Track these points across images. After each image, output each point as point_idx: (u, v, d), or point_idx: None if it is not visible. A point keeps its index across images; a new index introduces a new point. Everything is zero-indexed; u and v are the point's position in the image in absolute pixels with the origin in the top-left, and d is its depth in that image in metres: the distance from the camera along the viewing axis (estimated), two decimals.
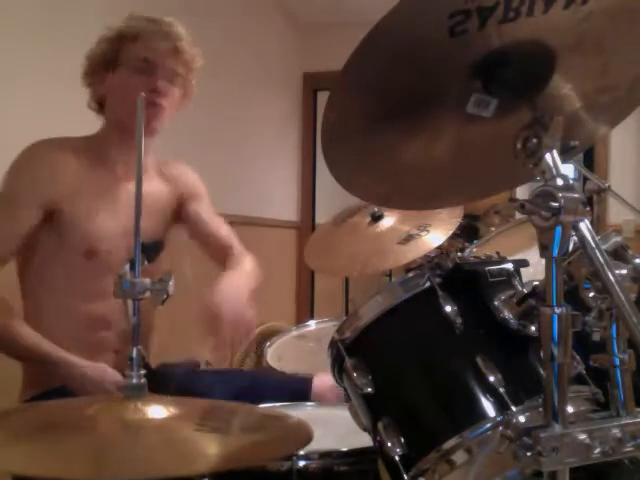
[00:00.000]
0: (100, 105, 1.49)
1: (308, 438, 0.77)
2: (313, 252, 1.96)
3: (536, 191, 0.71)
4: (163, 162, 1.60)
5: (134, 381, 0.78)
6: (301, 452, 0.99)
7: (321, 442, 0.89)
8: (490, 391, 0.81)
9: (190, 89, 1.50)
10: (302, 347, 1.92)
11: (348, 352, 0.93)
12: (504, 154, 0.78)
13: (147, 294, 0.79)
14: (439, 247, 1.66)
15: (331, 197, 2.82)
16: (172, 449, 0.72)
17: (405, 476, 0.83)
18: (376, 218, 1.81)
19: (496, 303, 0.86)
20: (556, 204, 0.68)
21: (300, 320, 3.39)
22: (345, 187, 0.87)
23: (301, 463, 1.00)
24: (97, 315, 1.40)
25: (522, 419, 0.78)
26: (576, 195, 0.70)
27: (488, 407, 0.80)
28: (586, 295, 0.76)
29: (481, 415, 0.80)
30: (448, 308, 0.86)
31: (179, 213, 1.62)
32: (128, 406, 0.76)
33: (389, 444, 0.84)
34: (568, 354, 0.69)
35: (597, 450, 0.68)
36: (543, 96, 0.80)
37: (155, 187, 1.55)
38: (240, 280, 1.46)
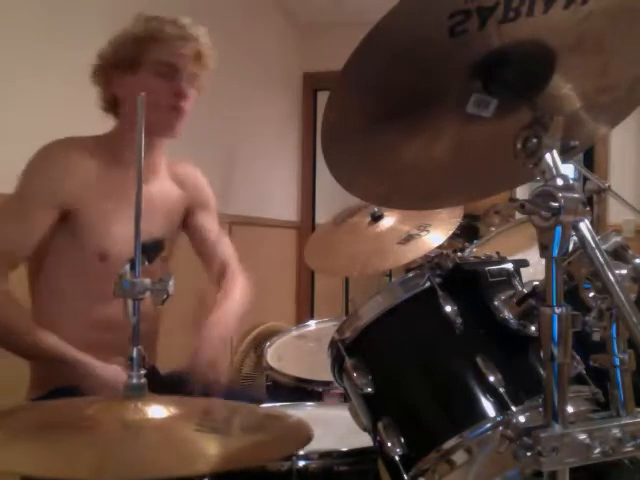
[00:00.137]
0: (111, 104, 1.49)
1: (308, 438, 0.77)
2: (313, 252, 1.96)
3: (536, 191, 0.71)
4: (173, 162, 1.60)
5: (134, 381, 0.78)
6: (301, 452, 0.99)
7: (321, 442, 0.89)
8: (490, 391, 0.81)
9: (201, 87, 1.50)
10: (302, 347, 1.92)
11: (348, 352, 0.93)
12: (504, 154, 0.78)
13: (147, 294, 0.79)
14: (439, 247, 1.66)
15: (331, 197, 2.83)
16: (172, 449, 0.72)
17: (405, 476, 0.83)
18: (376, 218, 1.81)
19: (496, 303, 0.86)
20: (556, 204, 0.69)
21: (300, 320, 3.40)
22: (345, 187, 0.87)
23: (301, 463, 1.00)
24: (108, 317, 1.40)
25: (522, 419, 0.78)
26: (576, 195, 0.70)
27: (488, 407, 0.80)
28: (586, 295, 0.76)
29: (481, 415, 0.80)
30: (448, 308, 0.86)
31: (186, 219, 1.63)
32: (128, 406, 0.76)
33: (389, 444, 0.84)
34: (568, 354, 0.69)
35: (597, 450, 0.68)
36: (543, 96, 0.80)
37: (167, 188, 1.56)
38: (223, 324, 1.47)
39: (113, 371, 1.30)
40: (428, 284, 0.89)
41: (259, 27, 3.49)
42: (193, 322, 1.40)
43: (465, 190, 1.00)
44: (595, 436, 0.69)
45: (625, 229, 3.28)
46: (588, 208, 0.71)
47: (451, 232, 1.72)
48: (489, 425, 0.79)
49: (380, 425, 0.86)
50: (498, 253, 0.99)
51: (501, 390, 0.80)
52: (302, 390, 1.58)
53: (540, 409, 0.73)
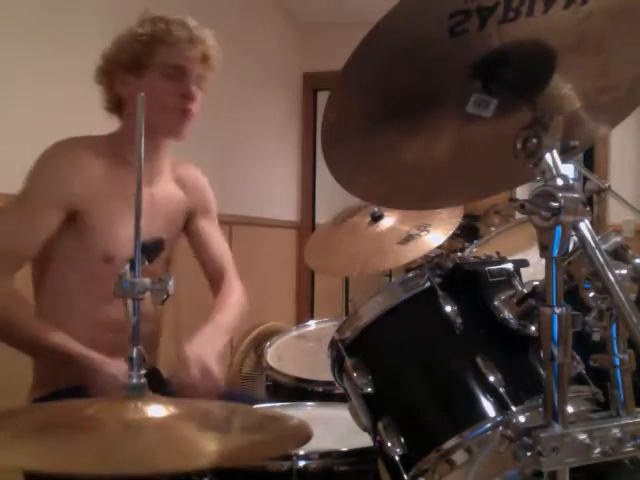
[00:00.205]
0: (115, 104, 1.49)
1: (308, 437, 0.77)
2: (313, 252, 1.96)
3: (536, 191, 0.71)
4: (176, 163, 1.60)
5: (134, 381, 0.78)
6: (301, 452, 0.99)
7: (321, 442, 0.90)
8: (490, 391, 0.81)
9: (207, 88, 1.50)
10: (302, 347, 1.92)
11: (348, 352, 0.93)
12: (504, 154, 0.78)
13: (147, 294, 0.79)
14: (439, 247, 1.66)
15: (331, 197, 2.83)
16: (172, 449, 0.72)
17: (405, 476, 0.83)
18: (376, 218, 1.81)
19: (496, 303, 0.86)
20: (556, 204, 0.69)
21: (300, 320, 3.40)
22: (345, 187, 0.87)
23: (301, 463, 1.00)
24: (112, 318, 1.40)
25: (522, 419, 0.78)
26: (576, 195, 0.70)
27: (488, 407, 0.80)
28: (586, 295, 0.76)
29: (481, 415, 0.80)
30: (448, 308, 0.86)
31: (186, 223, 1.63)
32: (128, 406, 0.76)
33: (389, 444, 0.84)
34: (568, 354, 0.69)
35: (597, 450, 0.68)
36: (543, 96, 0.80)
37: (170, 190, 1.57)
38: (220, 330, 1.47)
39: (119, 367, 1.29)
40: (428, 284, 0.89)
41: (259, 27, 3.49)
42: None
43: (465, 190, 1.00)
44: (595, 436, 0.69)
45: (625, 229, 3.28)
46: (588, 208, 0.71)
47: (451, 232, 1.72)
48: (489, 425, 0.79)
49: (380, 425, 0.86)
50: (498, 253, 0.99)
51: (501, 390, 0.80)
52: (302, 390, 1.57)
53: (540, 409, 0.73)
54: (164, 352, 1.61)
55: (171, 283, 0.80)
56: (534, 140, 0.75)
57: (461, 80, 0.78)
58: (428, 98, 0.80)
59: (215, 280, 1.63)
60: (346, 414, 0.96)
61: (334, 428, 1.17)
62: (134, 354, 0.78)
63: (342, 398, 1.06)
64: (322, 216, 3.98)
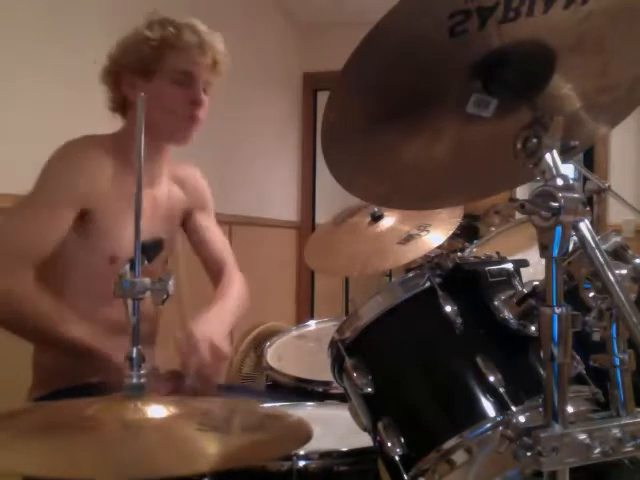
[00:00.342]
0: (120, 105, 1.48)
1: (308, 437, 0.77)
2: (313, 252, 1.96)
3: (536, 191, 0.71)
4: (173, 164, 1.60)
5: (134, 381, 0.78)
6: (301, 452, 0.99)
7: (321, 442, 0.90)
8: (490, 391, 0.81)
9: (213, 93, 1.50)
10: (302, 347, 1.92)
11: (348, 352, 0.93)
12: (504, 154, 0.78)
13: (147, 294, 0.79)
14: (439, 247, 1.66)
15: (331, 197, 2.83)
16: (172, 449, 0.72)
17: (405, 476, 0.83)
18: (376, 218, 1.81)
19: (496, 303, 0.86)
20: (556, 204, 0.69)
21: (300, 320, 3.40)
22: (345, 187, 0.87)
23: (301, 463, 1.00)
24: (114, 318, 1.40)
25: (522, 419, 0.78)
26: (576, 195, 0.70)
27: (488, 407, 0.80)
28: (586, 295, 0.76)
29: (481, 415, 0.80)
30: (448, 308, 0.86)
31: (184, 220, 1.64)
32: (128, 406, 0.76)
33: (389, 444, 0.84)
34: (568, 354, 0.69)
35: (597, 450, 0.68)
36: (543, 96, 0.80)
37: (170, 190, 1.57)
38: (223, 314, 1.47)
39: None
40: (428, 284, 0.89)
41: (259, 27, 3.49)
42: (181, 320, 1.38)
43: (465, 190, 1.00)
44: (595, 436, 0.69)
45: (625, 229, 3.29)
46: (588, 208, 0.71)
47: (451, 232, 1.72)
48: (489, 425, 0.79)
49: (380, 425, 0.86)
50: (498, 253, 0.99)
51: (501, 390, 0.80)
52: (302, 390, 1.58)
53: (540, 409, 0.72)
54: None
55: (171, 283, 0.81)
56: (534, 140, 0.75)
57: (461, 80, 0.78)
58: (428, 98, 0.80)
59: (216, 275, 1.63)
60: (346, 414, 0.96)
61: (334, 428, 1.17)
62: (134, 354, 0.79)
63: (342, 398, 1.06)
64: (322, 216, 3.98)
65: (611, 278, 0.71)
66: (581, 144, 0.84)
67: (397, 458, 0.84)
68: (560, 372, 0.69)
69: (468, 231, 2.59)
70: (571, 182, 0.71)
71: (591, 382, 0.84)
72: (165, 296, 0.81)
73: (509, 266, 0.92)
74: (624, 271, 0.77)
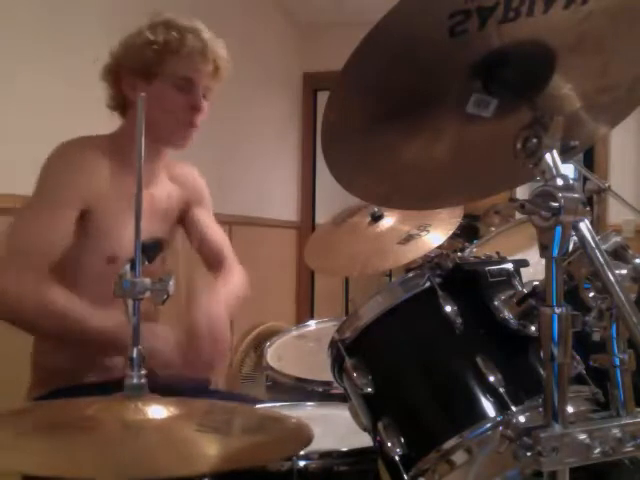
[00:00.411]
0: (119, 104, 1.48)
1: (308, 439, 0.77)
2: (313, 252, 1.96)
3: (536, 191, 0.71)
4: (170, 163, 1.60)
5: (134, 381, 0.78)
6: (301, 452, 0.99)
7: (321, 442, 0.89)
8: (490, 391, 0.81)
9: (212, 98, 1.50)
10: (302, 347, 1.92)
11: (348, 352, 0.93)
12: (504, 154, 0.78)
13: (147, 294, 0.79)
14: (439, 247, 1.66)
15: (331, 197, 2.83)
16: (172, 449, 0.72)
17: (405, 476, 0.83)
18: (376, 218, 1.81)
19: (496, 303, 0.86)
20: (556, 204, 0.69)
21: (300, 320, 3.40)
22: (345, 187, 0.87)
23: (301, 463, 1.00)
24: None
25: (522, 419, 0.78)
26: (576, 195, 0.70)
27: (488, 407, 0.80)
28: (586, 295, 0.76)
29: (481, 415, 0.80)
30: (448, 308, 0.86)
31: (182, 216, 1.63)
32: (128, 406, 0.76)
33: (389, 444, 0.84)
34: (568, 354, 0.69)
35: (597, 450, 0.68)
36: (543, 96, 0.80)
37: (167, 189, 1.57)
38: (224, 298, 1.45)
39: (164, 329, 1.28)
40: (428, 284, 0.89)
41: (259, 27, 3.49)
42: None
43: (465, 190, 1.00)
44: (595, 436, 0.69)
45: (625, 229, 3.29)
46: (588, 208, 0.71)
47: (451, 232, 1.72)
48: (489, 425, 0.79)
49: (380, 425, 0.86)
50: (498, 253, 0.99)
51: (501, 390, 0.80)
52: (302, 390, 1.58)
53: (540, 409, 0.72)
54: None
55: (171, 283, 0.80)
56: (534, 140, 0.75)
57: (461, 80, 0.78)
58: (428, 98, 0.80)
59: (216, 269, 1.62)
60: (346, 414, 0.96)
61: (334, 428, 1.17)
62: (134, 354, 0.79)
63: (342, 398, 1.06)
64: (322, 216, 3.98)
65: (611, 278, 0.71)
66: (581, 144, 0.84)
67: (397, 458, 0.84)
68: (560, 372, 0.69)
69: (468, 231, 2.60)
70: (571, 182, 0.71)
71: (591, 382, 0.84)
72: (165, 296, 0.81)
73: (509, 266, 0.92)
74: (624, 271, 0.78)
